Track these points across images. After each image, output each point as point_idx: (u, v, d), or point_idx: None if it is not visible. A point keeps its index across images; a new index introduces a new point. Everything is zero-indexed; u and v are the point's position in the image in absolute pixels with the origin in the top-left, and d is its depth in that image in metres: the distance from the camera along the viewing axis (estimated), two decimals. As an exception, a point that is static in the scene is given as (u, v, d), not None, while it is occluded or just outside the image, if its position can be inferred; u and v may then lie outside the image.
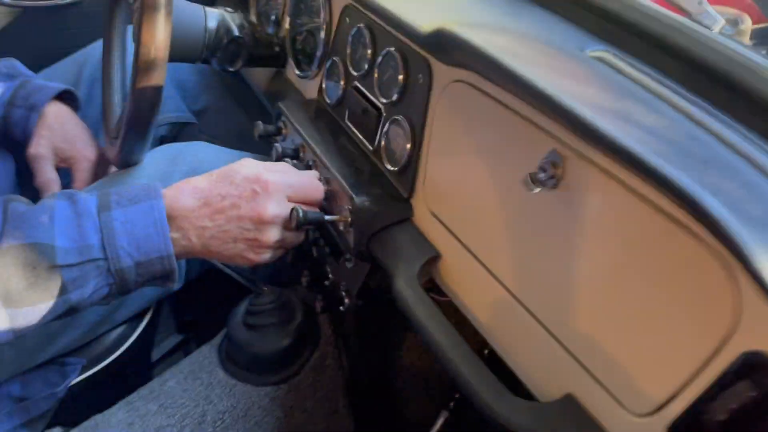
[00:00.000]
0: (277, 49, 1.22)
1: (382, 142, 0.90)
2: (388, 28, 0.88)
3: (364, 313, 1.04)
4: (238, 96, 1.59)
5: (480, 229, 0.72)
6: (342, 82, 1.01)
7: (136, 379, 1.13)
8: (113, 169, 1.25)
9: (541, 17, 0.81)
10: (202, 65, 1.57)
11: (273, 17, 1.28)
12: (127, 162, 1.07)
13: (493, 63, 0.61)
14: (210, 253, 0.84)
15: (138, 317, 1.17)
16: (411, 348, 1.12)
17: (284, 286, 1.13)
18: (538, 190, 0.62)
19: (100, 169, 1.21)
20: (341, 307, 1.04)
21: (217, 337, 1.14)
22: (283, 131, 1.05)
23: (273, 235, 0.84)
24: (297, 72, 1.17)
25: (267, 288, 1.07)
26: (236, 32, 1.12)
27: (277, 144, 0.99)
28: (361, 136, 0.96)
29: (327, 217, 0.85)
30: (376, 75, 0.91)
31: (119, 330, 1.15)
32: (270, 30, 1.26)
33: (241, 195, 0.82)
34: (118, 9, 1.23)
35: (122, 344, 1.15)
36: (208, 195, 0.81)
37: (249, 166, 0.84)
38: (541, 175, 0.61)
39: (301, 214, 0.82)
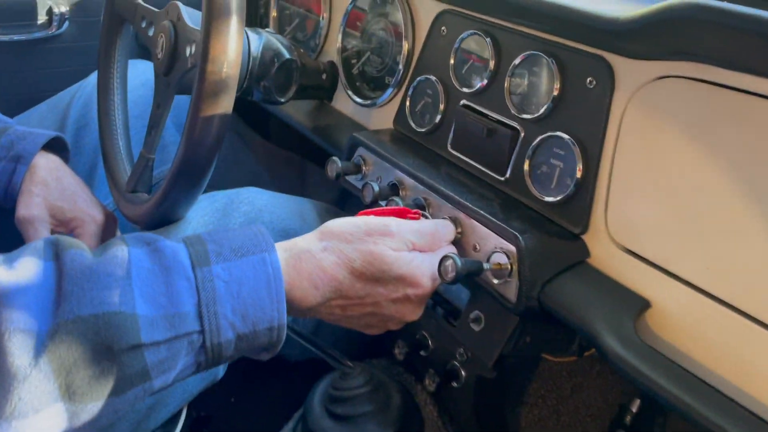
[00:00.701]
0: (324, 76, 1.03)
1: (525, 168, 0.72)
2: (527, 29, 0.72)
3: (475, 387, 0.83)
4: (248, 142, 1.38)
5: (737, 267, 0.54)
6: (442, 104, 0.82)
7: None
8: (118, 232, 1.00)
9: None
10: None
11: (311, 42, 1.09)
12: (167, 219, 0.83)
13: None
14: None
15: (173, 419, 0.91)
16: (529, 425, 0.92)
17: (364, 360, 0.91)
18: None
19: (107, 233, 0.96)
20: (455, 383, 0.83)
21: (282, 433, 0.89)
22: (364, 168, 0.85)
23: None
24: (357, 100, 0.98)
25: (354, 365, 0.84)
26: (287, 54, 0.93)
27: (371, 183, 0.78)
28: (479, 165, 0.78)
29: (486, 265, 0.65)
30: (507, 86, 0.74)
31: (151, 439, 0.88)
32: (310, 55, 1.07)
33: (389, 296, 0.64)
34: (118, 39, 1.02)
35: (156, 458, 0.87)
36: (347, 290, 0.63)
37: (404, 259, 0.63)
38: None
39: (459, 265, 0.62)
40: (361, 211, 0.71)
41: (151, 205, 0.82)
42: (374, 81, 0.97)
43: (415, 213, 0.72)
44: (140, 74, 1.18)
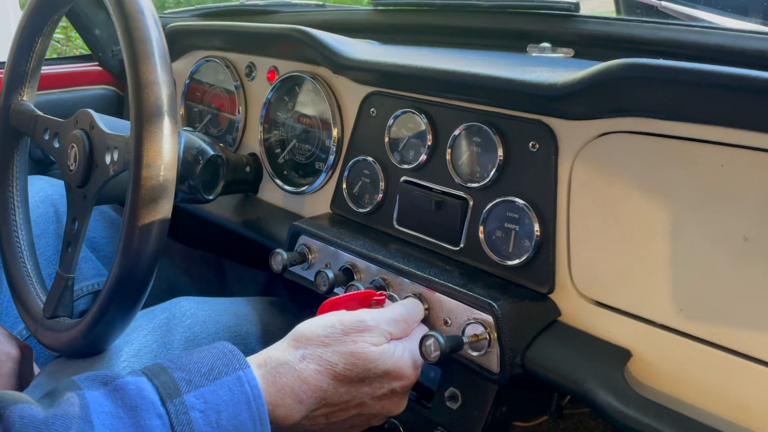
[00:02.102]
0: (248, 169, 1.00)
1: (480, 236, 0.72)
2: (461, 103, 0.74)
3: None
4: (162, 245, 1.30)
5: (710, 304, 0.57)
6: (382, 183, 0.82)
7: None
8: (36, 368, 0.89)
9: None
10: (113, 216, 1.27)
11: (227, 137, 1.07)
12: (99, 345, 0.75)
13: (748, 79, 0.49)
14: None
15: None
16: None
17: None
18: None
19: (24, 368, 0.85)
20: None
21: None
22: (309, 257, 0.82)
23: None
24: (288, 189, 0.95)
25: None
26: (211, 151, 0.89)
27: (325, 270, 0.75)
28: (430, 237, 0.77)
29: (466, 338, 0.63)
30: (448, 158, 0.75)
31: None
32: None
33: (374, 394, 0.60)
34: (16, 154, 0.95)
35: None
36: (332, 397, 0.58)
37: (387, 353, 0.60)
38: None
39: (443, 342, 0.60)
40: (325, 302, 0.68)
41: (80, 330, 0.74)
42: (303, 168, 0.96)
43: (380, 295, 0.69)
44: (38, 190, 1.10)
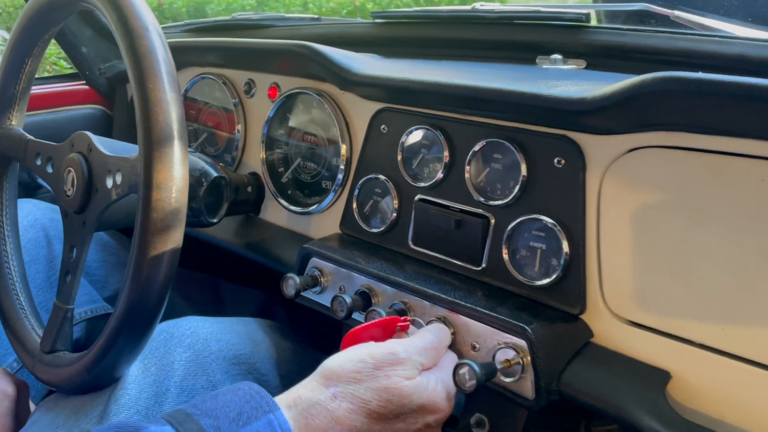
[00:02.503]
0: (249, 189, 0.96)
1: (504, 256, 0.69)
2: (479, 118, 0.72)
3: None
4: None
5: (755, 322, 0.55)
6: (395, 201, 0.79)
7: None
8: (32, 405, 0.84)
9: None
10: (105, 238, 1.22)
11: (225, 156, 1.03)
12: (105, 380, 0.71)
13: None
14: None
15: None
16: None
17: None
18: None
19: (20, 405, 0.81)
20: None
21: None
22: (321, 280, 0.79)
23: None
24: (293, 209, 0.92)
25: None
26: (214, 172, 0.86)
27: (342, 296, 0.72)
28: (449, 258, 0.75)
29: (498, 364, 0.60)
30: (467, 176, 0.72)
31: None
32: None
33: (408, 430, 0.57)
34: (5, 180, 0.90)
35: None
36: None
37: (421, 386, 0.57)
38: None
39: (478, 371, 0.57)
40: (349, 333, 0.64)
41: (84, 365, 0.70)
42: (309, 187, 0.93)
43: (404, 320, 0.66)
44: (27, 214, 1.05)
